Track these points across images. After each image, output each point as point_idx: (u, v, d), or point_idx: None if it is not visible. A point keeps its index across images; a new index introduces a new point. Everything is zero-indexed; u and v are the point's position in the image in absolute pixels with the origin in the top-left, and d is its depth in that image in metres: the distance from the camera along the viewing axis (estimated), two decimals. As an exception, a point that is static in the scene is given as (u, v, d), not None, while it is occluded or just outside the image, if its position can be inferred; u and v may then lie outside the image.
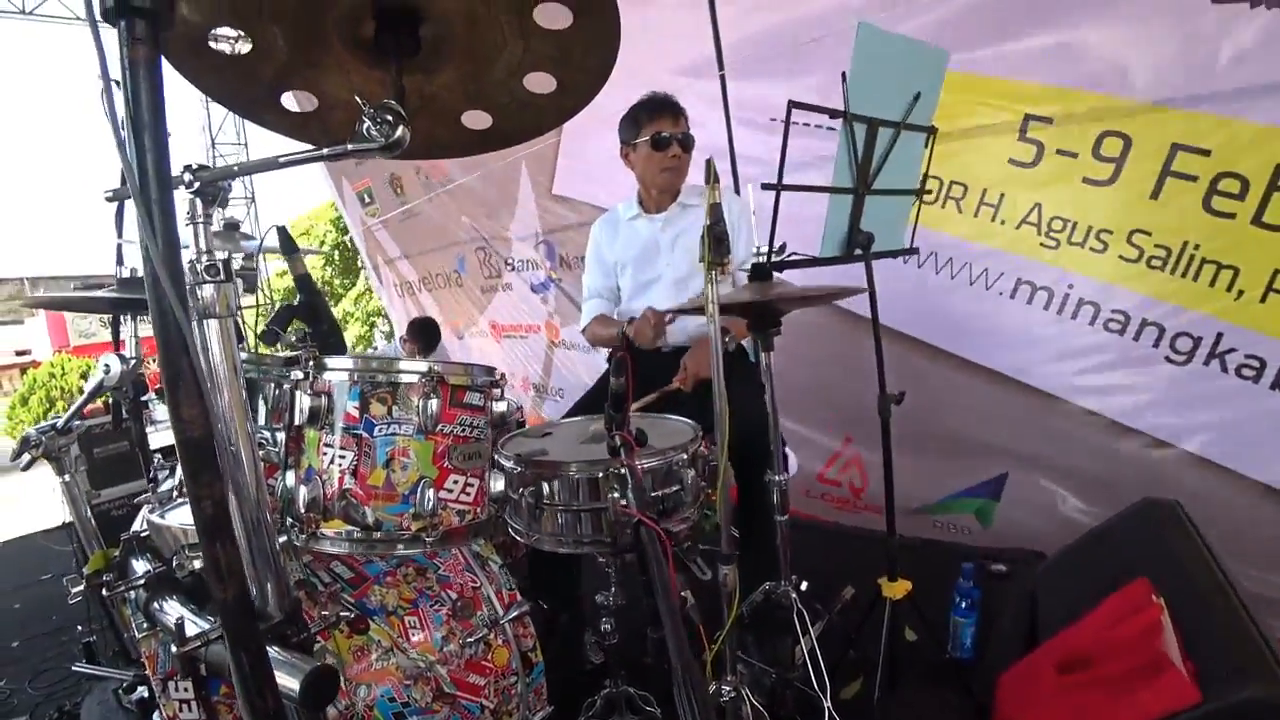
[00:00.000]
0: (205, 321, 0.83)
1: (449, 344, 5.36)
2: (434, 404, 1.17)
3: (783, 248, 1.47)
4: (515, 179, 4.34)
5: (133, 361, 1.30)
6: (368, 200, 5.92)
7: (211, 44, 0.93)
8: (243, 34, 0.95)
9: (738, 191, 2.50)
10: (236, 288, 0.91)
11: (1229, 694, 1.12)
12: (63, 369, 12.54)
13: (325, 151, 0.90)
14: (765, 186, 1.33)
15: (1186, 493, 1.82)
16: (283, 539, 1.17)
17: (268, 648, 0.83)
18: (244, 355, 1.16)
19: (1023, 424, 2.40)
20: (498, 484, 1.32)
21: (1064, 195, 2.18)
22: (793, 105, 1.31)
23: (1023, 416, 2.39)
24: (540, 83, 1.07)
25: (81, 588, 1.25)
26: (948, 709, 1.61)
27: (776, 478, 1.54)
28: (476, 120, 1.16)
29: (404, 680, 1.30)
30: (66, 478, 1.46)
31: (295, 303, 1.21)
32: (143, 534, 1.33)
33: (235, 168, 0.90)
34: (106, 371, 1.30)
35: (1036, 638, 1.71)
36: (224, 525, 0.58)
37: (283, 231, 1.18)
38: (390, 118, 0.90)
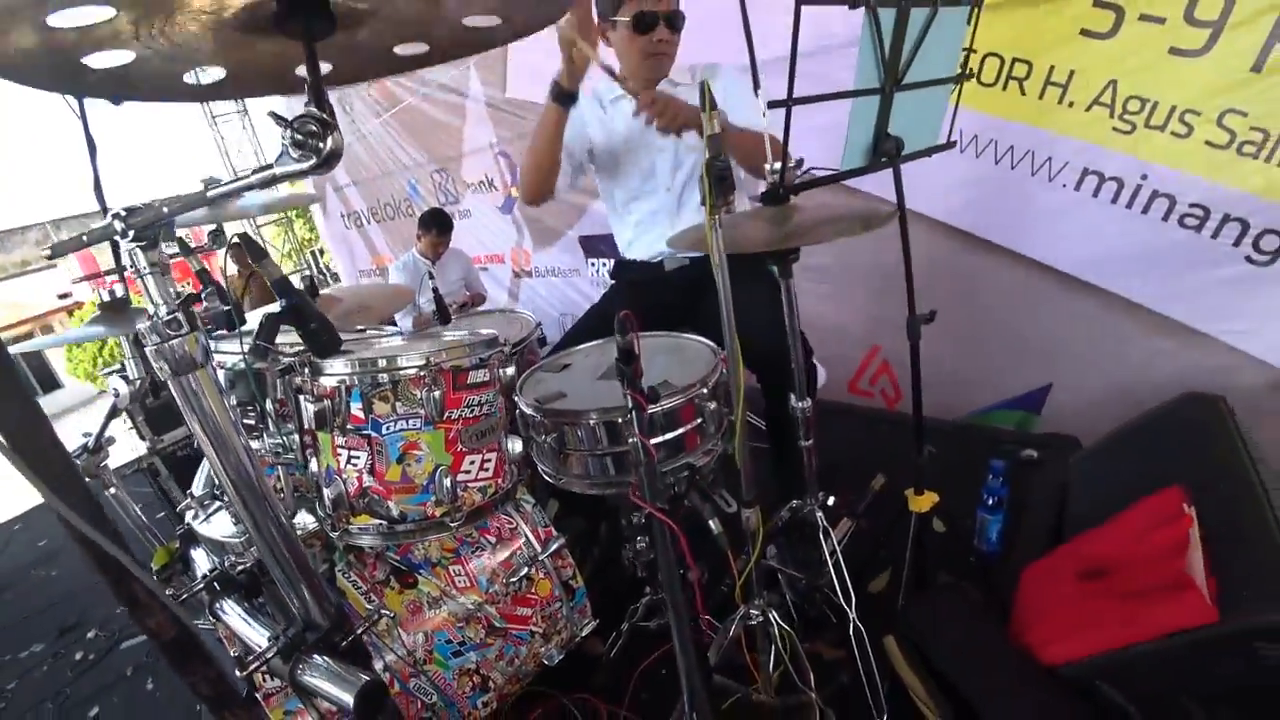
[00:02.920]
0: (186, 377, 0.80)
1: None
2: (438, 394, 1.14)
3: (799, 163, 1.29)
4: (463, 89, 4.04)
5: (138, 381, 1.29)
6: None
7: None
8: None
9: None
10: (204, 337, 0.85)
11: (1247, 616, 1.12)
12: (106, 306, 12.65)
13: (255, 179, 0.79)
14: (773, 104, 1.13)
15: (1260, 409, 1.72)
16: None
17: (319, 659, 0.91)
18: (246, 347, 1.13)
19: (1075, 327, 2.23)
20: (515, 446, 1.33)
21: (1145, 70, 1.82)
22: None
23: (1076, 319, 2.22)
24: (482, 20, 0.88)
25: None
26: (971, 603, 1.67)
27: (799, 404, 1.50)
28: (411, 49, 0.99)
29: (457, 623, 1.43)
30: (112, 491, 1.50)
31: (279, 309, 1.14)
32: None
33: (164, 207, 0.81)
34: (116, 395, 1.30)
35: (1062, 532, 1.72)
36: (230, 700, 0.57)
37: (245, 239, 1.08)
38: (315, 127, 0.77)
